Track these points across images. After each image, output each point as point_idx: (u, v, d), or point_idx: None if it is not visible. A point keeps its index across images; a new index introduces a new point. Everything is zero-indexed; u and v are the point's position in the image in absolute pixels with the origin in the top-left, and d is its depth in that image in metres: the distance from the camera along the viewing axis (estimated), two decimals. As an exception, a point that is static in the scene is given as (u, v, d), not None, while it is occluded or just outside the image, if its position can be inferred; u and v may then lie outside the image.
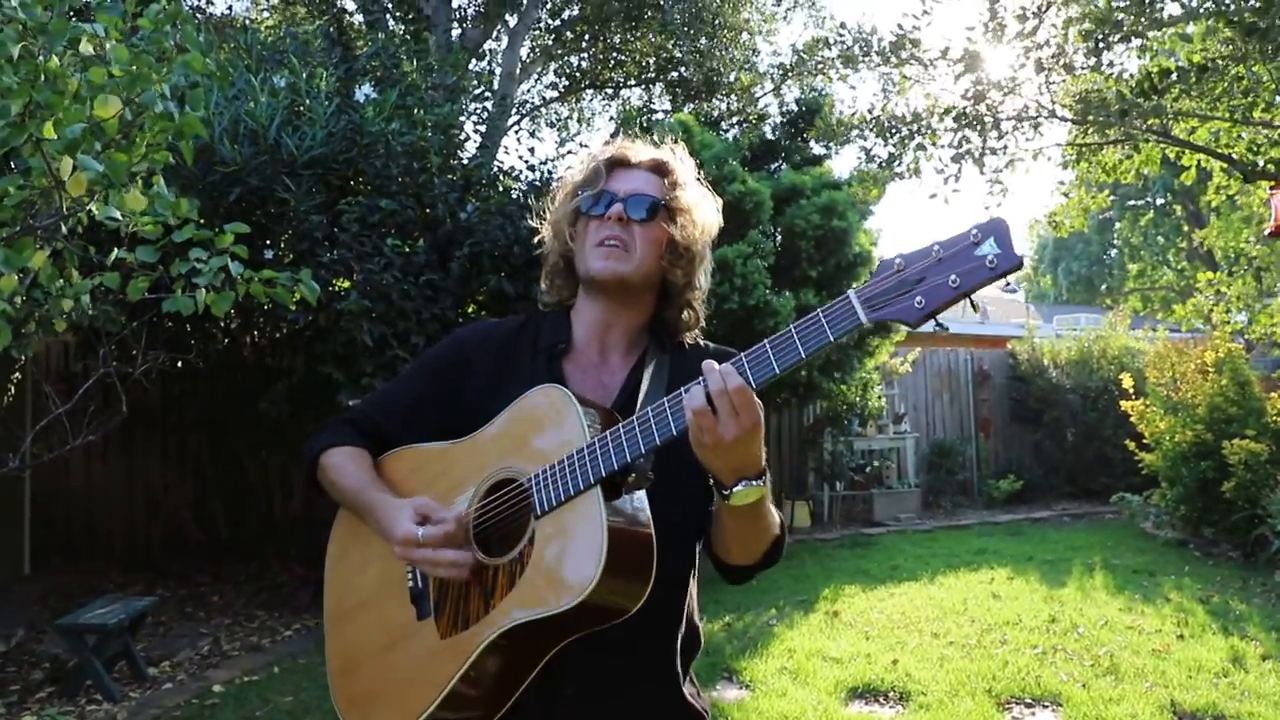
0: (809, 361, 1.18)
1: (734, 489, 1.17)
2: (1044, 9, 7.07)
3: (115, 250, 2.62)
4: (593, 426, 1.25)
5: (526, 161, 7.10)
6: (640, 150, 1.50)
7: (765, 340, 1.14)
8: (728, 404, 1.11)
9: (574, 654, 1.24)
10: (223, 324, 6.36)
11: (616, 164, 1.48)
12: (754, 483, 1.17)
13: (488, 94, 9.62)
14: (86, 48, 1.94)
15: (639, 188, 1.44)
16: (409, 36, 8.79)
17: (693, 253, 1.45)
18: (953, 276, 1.07)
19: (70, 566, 6.87)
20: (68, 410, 4.11)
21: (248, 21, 12.19)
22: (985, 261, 1.06)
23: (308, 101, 5.77)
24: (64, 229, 2.40)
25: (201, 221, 2.72)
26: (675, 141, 1.53)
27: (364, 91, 6.06)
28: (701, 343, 1.54)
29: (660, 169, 1.47)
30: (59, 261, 2.62)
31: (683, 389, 1.17)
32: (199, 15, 11.00)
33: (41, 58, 1.88)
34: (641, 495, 1.24)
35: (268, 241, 5.69)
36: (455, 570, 1.27)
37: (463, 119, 6.97)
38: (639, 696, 1.38)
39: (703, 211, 1.48)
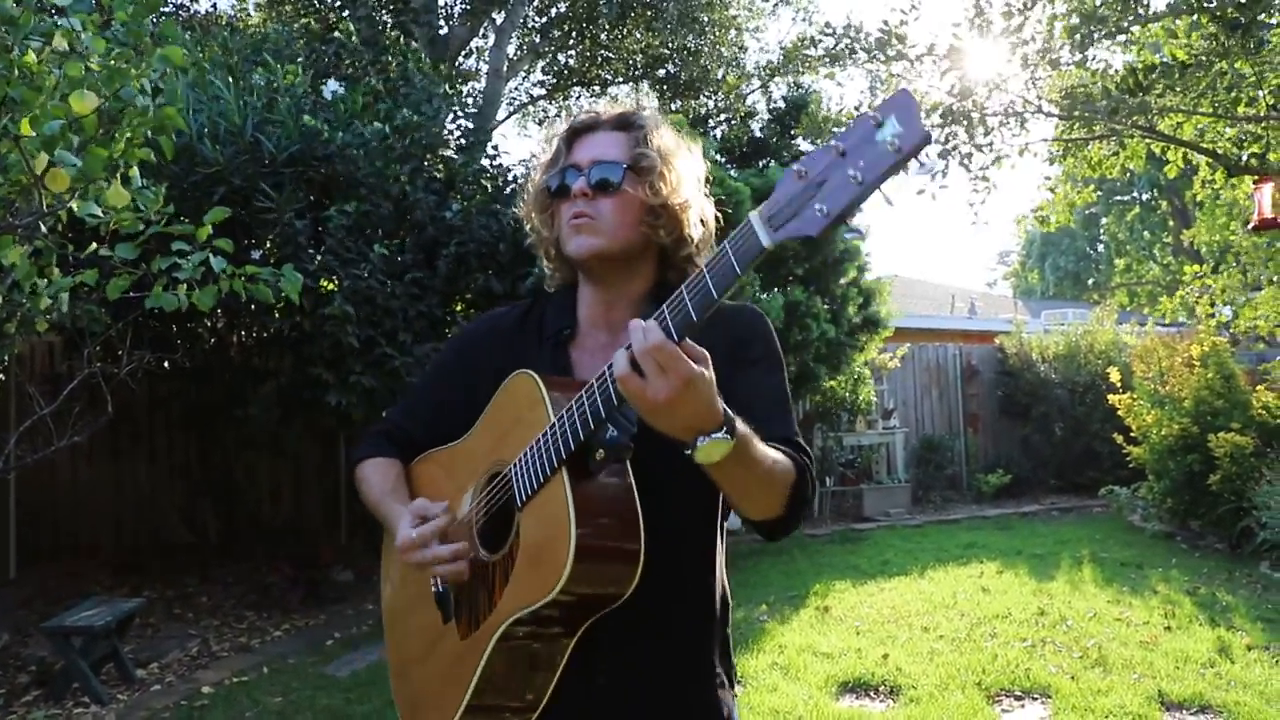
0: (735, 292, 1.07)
1: (696, 446, 1.07)
2: (1030, 4, 7.09)
3: (95, 247, 2.58)
4: (559, 406, 1.22)
5: (495, 160, 6.95)
6: (603, 110, 1.42)
7: (682, 285, 1.06)
8: (652, 364, 1.03)
9: (606, 641, 1.23)
10: (208, 324, 6.32)
11: (578, 133, 1.40)
12: (715, 436, 1.07)
13: (463, 92, 9.57)
14: (60, 42, 1.91)
15: (601, 153, 1.36)
16: (395, 34, 8.73)
17: (672, 207, 1.35)
18: (852, 171, 0.95)
19: (56, 569, 6.82)
20: (52, 411, 4.08)
21: (232, 20, 12.12)
22: (888, 145, 0.93)
23: (284, 100, 5.72)
24: (43, 228, 2.37)
25: (184, 219, 2.69)
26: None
27: (331, 88, 5.98)
28: (730, 302, 1.41)
29: (624, 123, 1.39)
30: (38, 259, 2.59)
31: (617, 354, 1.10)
32: (182, 13, 10.92)
33: (16, 53, 1.85)
34: (622, 468, 1.19)
35: (252, 241, 5.65)
36: (453, 565, 1.27)
37: (441, 117, 6.90)
38: (673, 682, 1.35)
39: (678, 160, 1.38)
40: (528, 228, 1.47)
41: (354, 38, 7.29)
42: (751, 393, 1.30)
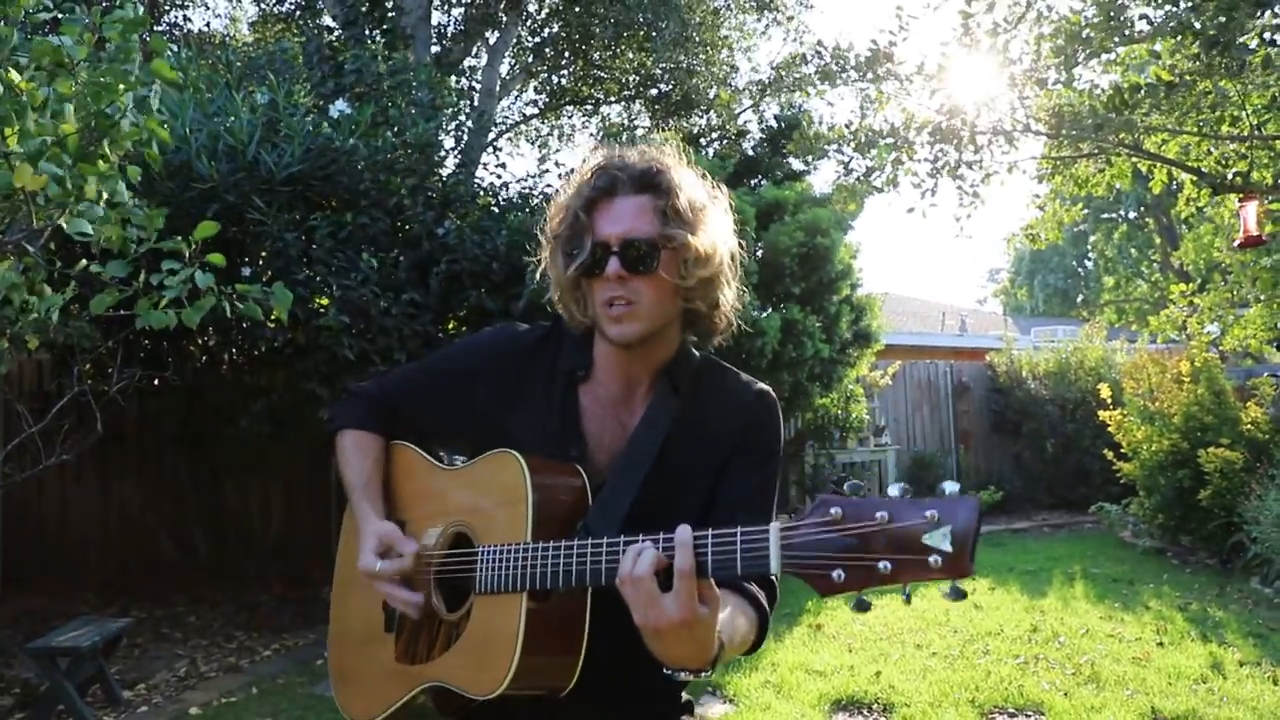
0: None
1: (674, 674, 1.08)
2: (1016, 22, 7.18)
3: (87, 264, 2.57)
4: (541, 522, 1.22)
5: (499, 178, 6.99)
6: (621, 170, 1.29)
7: (695, 531, 1.03)
8: (648, 590, 1.02)
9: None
10: (200, 341, 6.30)
11: (596, 202, 1.29)
12: (701, 676, 1.07)
13: (465, 110, 9.60)
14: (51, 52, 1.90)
15: (630, 228, 1.26)
16: (387, 51, 8.77)
17: (708, 279, 1.31)
18: (885, 563, 0.93)
19: (43, 588, 6.75)
20: (40, 429, 4.06)
21: (226, 38, 12.17)
22: (929, 560, 0.92)
23: (289, 118, 5.73)
24: (31, 250, 2.37)
25: (177, 237, 2.68)
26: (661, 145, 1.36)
27: (338, 107, 6.00)
28: (743, 378, 1.43)
29: (648, 184, 1.29)
30: (28, 276, 2.58)
31: (623, 543, 1.08)
32: (176, 31, 10.96)
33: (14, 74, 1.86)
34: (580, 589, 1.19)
35: (245, 258, 5.64)
36: (404, 607, 1.32)
37: (441, 136, 6.94)
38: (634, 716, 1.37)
39: (709, 218, 1.31)
40: (555, 298, 1.38)
41: (348, 56, 7.32)
42: (743, 485, 1.35)
